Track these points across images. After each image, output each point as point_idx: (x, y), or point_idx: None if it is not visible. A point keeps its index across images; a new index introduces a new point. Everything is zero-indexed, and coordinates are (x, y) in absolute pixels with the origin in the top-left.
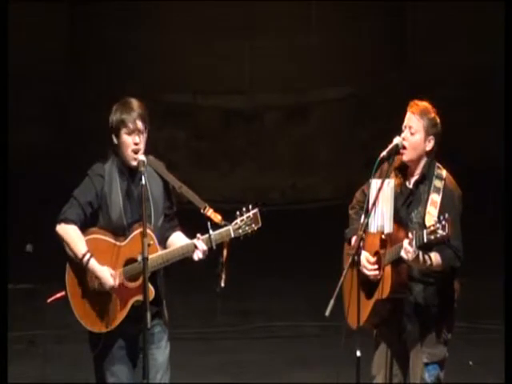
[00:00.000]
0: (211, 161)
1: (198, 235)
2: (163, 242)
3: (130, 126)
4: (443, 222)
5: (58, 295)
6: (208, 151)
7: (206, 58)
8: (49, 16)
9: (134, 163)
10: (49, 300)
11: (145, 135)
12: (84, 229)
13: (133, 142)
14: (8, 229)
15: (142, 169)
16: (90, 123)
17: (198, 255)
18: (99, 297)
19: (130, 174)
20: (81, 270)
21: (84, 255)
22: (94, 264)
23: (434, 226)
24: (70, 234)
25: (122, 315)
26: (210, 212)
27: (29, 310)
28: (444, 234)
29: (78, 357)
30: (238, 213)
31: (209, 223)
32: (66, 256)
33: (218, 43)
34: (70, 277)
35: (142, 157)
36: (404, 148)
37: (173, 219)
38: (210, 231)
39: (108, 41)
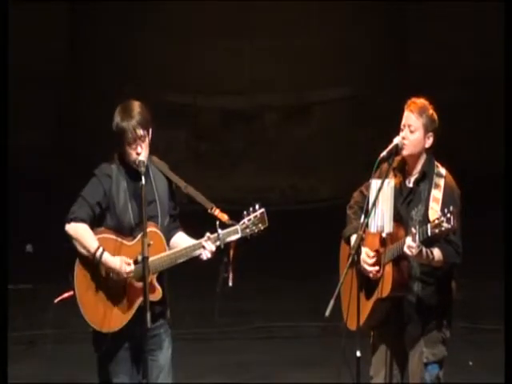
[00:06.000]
0: (211, 161)
1: (208, 234)
2: (166, 243)
3: (130, 135)
4: (448, 215)
5: (66, 295)
6: (208, 151)
7: (206, 58)
8: (49, 16)
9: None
10: (56, 300)
11: (147, 139)
12: (92, 229)
13: (135, 152)
14: (8, 229)
15: (142, 169)
16: (90, 123)
17: (206, 255)
18: (108, 297)
19: (136, 174)
20: (91, 269)
21: (97, 250)
22: (107, 257)
23: (438, 219)
24: (81, 231)
25: (128, 315)
26: (217, 212)
27: (29, 310)
28: (449, 226)
29: (78, 357)
30: (245, 213)
31: (217, 222)
32: (75, 255)
33: (218, 43)
34: (79, 277)
35: (141, 157)
36: (404, 145)
37: (176, 220)
38: (219, 230)
39: (108, 40)
